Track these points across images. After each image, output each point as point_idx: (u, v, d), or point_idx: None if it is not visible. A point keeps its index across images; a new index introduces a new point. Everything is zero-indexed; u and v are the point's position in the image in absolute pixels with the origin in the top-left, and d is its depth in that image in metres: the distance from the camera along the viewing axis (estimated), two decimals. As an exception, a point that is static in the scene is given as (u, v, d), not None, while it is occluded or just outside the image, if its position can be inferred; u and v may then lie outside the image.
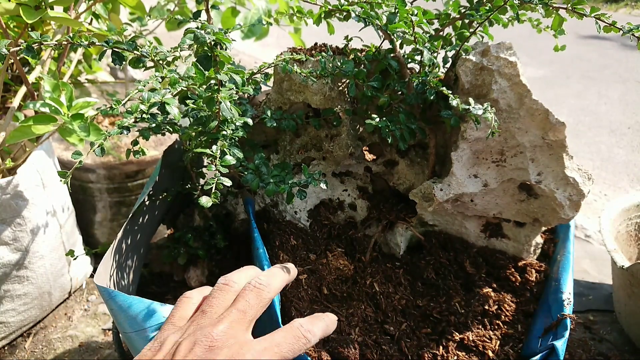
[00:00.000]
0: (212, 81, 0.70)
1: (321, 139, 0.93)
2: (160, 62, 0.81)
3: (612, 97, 3.43)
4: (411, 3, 0.86)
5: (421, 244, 0.95)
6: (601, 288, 1.47)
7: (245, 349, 0.48)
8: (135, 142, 0.75)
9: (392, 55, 0.86)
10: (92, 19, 1.28)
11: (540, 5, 0.80)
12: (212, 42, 0.73)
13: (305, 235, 0.93)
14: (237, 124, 0.74)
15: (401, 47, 0.87)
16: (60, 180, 0.66)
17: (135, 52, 0.80)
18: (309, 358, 0.63)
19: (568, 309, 0.74)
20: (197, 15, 0.82)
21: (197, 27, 0.74)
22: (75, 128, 0.93)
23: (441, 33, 0.92)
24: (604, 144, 2.73)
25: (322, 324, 0.57)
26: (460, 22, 0.90)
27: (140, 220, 0.88)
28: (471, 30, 0.87)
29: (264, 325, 0.72)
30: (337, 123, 0.89)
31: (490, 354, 0.76)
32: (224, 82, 0.70)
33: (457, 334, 0.79)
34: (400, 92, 0.87)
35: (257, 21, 0.97)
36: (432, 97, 0.79)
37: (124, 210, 1.48)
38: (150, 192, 0.89)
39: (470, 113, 0.73)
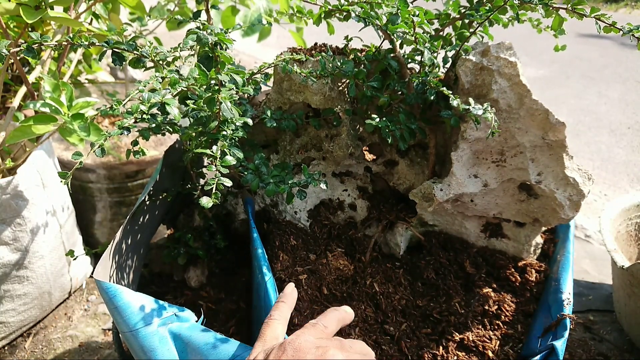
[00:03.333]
0: (213, 81, 0.70)
1: (321, 139, 0.93)
2: (161, 62, 0.81)
3: (612, 97, 3.43)
4: (412, 3, 0.86)
5: (421, 244, 0.95)
6: (601, 288, 1.47)
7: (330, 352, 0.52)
8: (135, 142, 0.75)
9: (392, 55, 0.86)
10: (92, 19, 1.28)
11: (540, 6, 0.80)
12: (213, 43, 0.73)
13: (305, 235, 0.93)
14: (237, 124, 0.74)
15: (401, 47, 0.87)
16: (61, 181, 0.66)
17: (135, 52, 0.80)
18: None
19: (568, 309, 0.74)
20: (197, 15, 0.82)
21: (198, 28, 0.74)
22: (75, 128, 0.93)
23: (441, 33, 0.92)
24: (604, 144, 2.73)
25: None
26: (460, 22, 0.90)
27: (141, 220, 0.88)
28: (471, 30, 0.87)
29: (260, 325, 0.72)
30: (337, 123, 0.89)
31: (490, 354, 0.76)
32: (224, 83, 0.70)
33: (457, 334, 0.79)
34: (400, 92, 0.87)
35: (257, 20, 0.97)
36: (432, 97, 0.79)
37: (124, 210, 1.48)
38: (151, 192, 0.89)
39: (470, 113, 0.73)
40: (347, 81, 0.87)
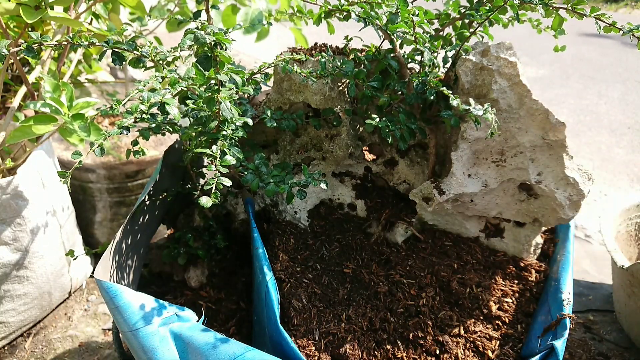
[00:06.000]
0: (212, 81, 0.70)
1: (321, 139, 0.93)
2: (160, 62, 0.81)
3: (612, 97, 3.43)
4: (412, 3, 0.86)
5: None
6: (601, 288, 1.47)
7: None
8: (135, 142, 0.75)
9: (392, 55, 0.86)
10: (92, 19, 1.28)
11: (540, 6, 0.80)
12: (212, 43, 0.73)
13: (305, 235, 0.93)
14: (237, 124, 0.74)
15: (401, 47, 0.87)
16: (60, 180, 0.66)
17: (135, 52, 0.80)
18: (303, 357, 0.63)
19: (568, 309, 0.74)
20: (197, 15, 0.82)
21: (197, 28, 0.74)
22: (75, 128, 0.93)
23: (441, 33, 0.92)
24: (604, 144, 2.73)
25: None
26: (460, 22, 0.90)
27: (141, 220, 0.88)
28: (471, 30, 0.87)
29: (262, 325, 0.72)
30: (337, 123, 0.89)
31: (490, 354, 0.76)
32: (224, 82, 0.70)
33: (457, 333, 0.78)
34: (400, 92, 0.87)
35: (257, 20, 0.97)
36: (432, 97, 0.79)
37: (124, 210, 1.48)
38: (151, 192, 0.89)
39: (471, 114, 0.73)
40: (347, 81, 0.87)
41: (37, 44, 0.76)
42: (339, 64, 0.85)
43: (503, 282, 0.88)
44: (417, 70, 0.86)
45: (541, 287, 0.87)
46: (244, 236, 1.03)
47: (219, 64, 0.75)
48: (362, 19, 0.82)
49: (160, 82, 0.73)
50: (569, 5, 0.79)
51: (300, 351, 0.68)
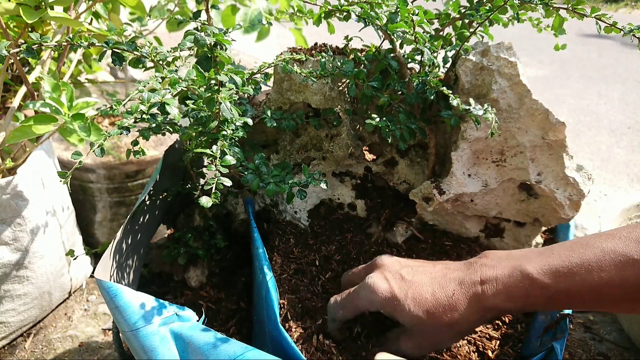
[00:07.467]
0: (212, 82, 0.70)
1: (321, 139, 0.93)
2: (160, 62, 0.81)
3: (612, 97, 3.43)
4: (412, 3, 0.86)
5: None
6: (601, 288, 1.47)
7: None
8: (135, 142, 0.75)
9: (392, 55, 0.86)
10: (92, 19, 1.28)
11: (541, 5, 0.80)
12: (212, 44, 0.73)
13: (305, 235, 0.93)
14: (237, 124, 0.74)
15: (401, 47, 0.87)
16: (60, 181, 0.66)
17: (135, 52, 0.80)
18: (303, 357, 0.63)
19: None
20: (197, 15, 0.82)
21: (197, 28, 0.74)
22: (75, 128, 0.93)
23: (441, 33, 0.92)
24: (604, 144, 2.73)
25: None
26: (460, 22, 0.90)
27: (141, 220, 0.88)
28: (471, 30, 0.87)
29: (262, 325, 0.72)
30: (337, 123, 0.89)
31: (490, 354, 0.76)
32: (224, 83, 0.70)
33: (457, 334, 0.78)
34: (400, 92, 0.87)
35: (257, 20, 0.97)
36: (432, 97, 0.79)
37: (124, 210, 1.48)
38: (151, 192, 0.89)
39: (471, 113, 0.73)
40: (347, 81, 0.87)
41: (37, 45, 0.76)
42: (339, 64, 0.85)
43: (503, 282, 0.88)
44: (417, 70, 0.86)
45: (541, 287, 0.87)
46: (244, 236, 1.03)
47: (219, 64, 0.75)
48: (362, 19, 0.82)
49: (160, 83, 0.73)
50: (569, 5, 0.79)
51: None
